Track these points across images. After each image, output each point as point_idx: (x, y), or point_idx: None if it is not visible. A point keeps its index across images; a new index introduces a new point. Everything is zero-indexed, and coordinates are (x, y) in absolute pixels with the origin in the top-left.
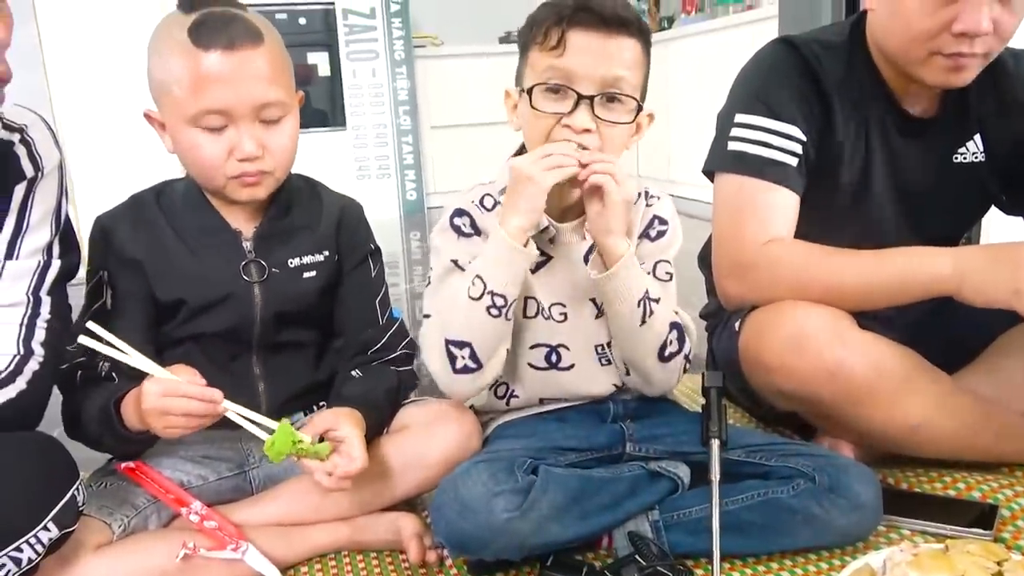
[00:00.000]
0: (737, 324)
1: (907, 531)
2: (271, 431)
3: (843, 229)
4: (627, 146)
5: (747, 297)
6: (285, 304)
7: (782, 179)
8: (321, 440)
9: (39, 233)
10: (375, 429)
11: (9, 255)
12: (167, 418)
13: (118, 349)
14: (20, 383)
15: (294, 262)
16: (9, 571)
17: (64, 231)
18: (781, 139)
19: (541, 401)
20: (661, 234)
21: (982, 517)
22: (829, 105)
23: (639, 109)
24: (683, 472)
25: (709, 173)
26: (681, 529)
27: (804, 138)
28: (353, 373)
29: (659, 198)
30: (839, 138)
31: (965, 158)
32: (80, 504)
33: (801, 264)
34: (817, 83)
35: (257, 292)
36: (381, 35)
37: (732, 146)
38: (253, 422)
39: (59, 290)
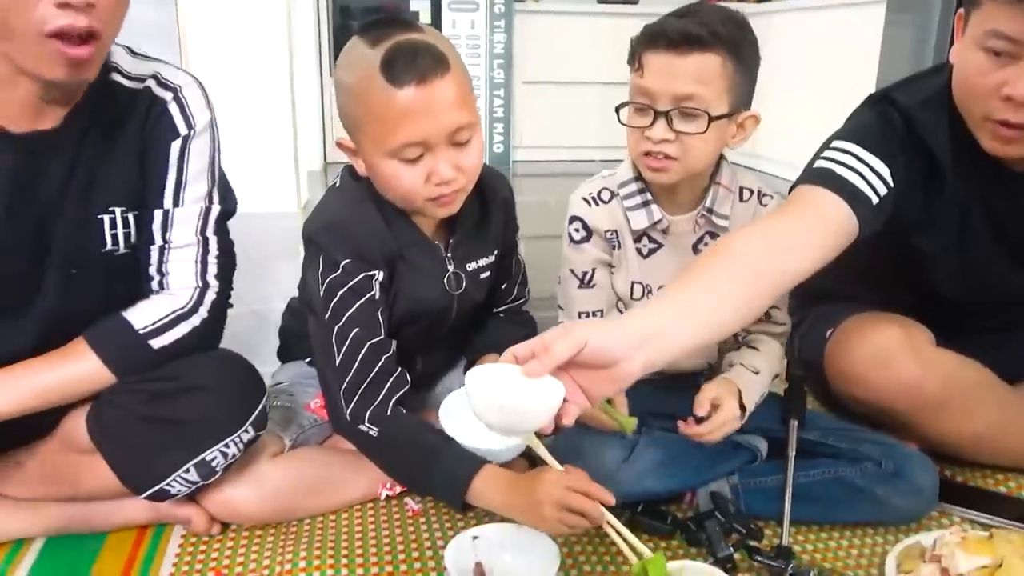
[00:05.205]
0: (828, 333)
1: (958, 518)
2: (640, 555)
3: (946, 279)
4: (727, 145)
5: None
6: (472, 307)
7: (856, 206)
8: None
9: (198, 184)
10: None
11: (175, 203)
12: (564, 515)
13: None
14: (203, 312)
15: (471, 266)
16: (218, 463)
17: (220, 182)
18: (871, 173)
19: None
20: None
21: None
22: (940, 174)
23: (710, 119)
24: (762, 445)
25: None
26: (757, 494)
27: (891, 185)
28: (501, 315)
29: (772, 198)
30: (947, 201)
31: None
32: (267, 413)
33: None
34: (928, 152)
35: (455, 301)
36: None
37: (820, 163)
38: (627, 543)
39: (221, 229)
